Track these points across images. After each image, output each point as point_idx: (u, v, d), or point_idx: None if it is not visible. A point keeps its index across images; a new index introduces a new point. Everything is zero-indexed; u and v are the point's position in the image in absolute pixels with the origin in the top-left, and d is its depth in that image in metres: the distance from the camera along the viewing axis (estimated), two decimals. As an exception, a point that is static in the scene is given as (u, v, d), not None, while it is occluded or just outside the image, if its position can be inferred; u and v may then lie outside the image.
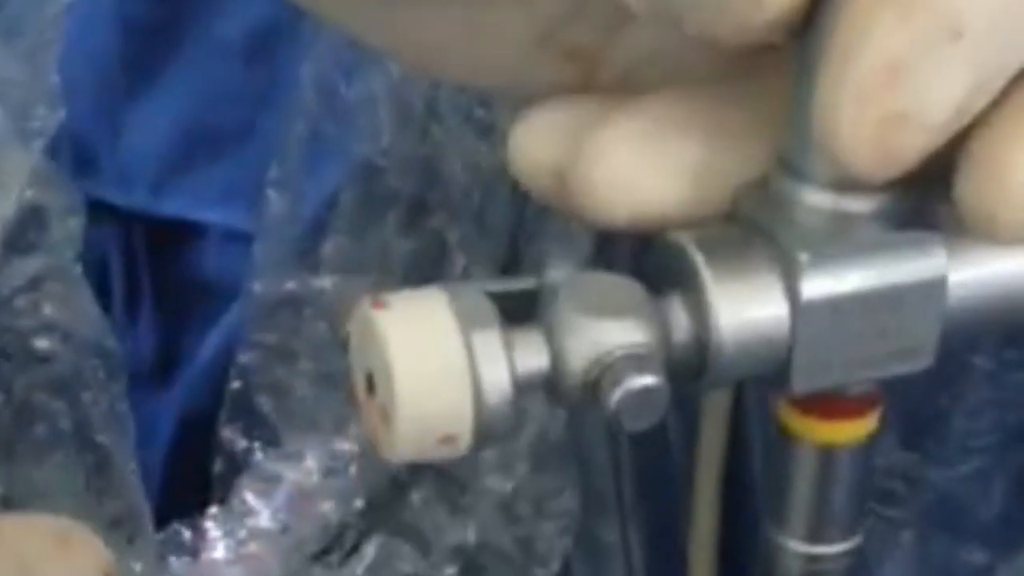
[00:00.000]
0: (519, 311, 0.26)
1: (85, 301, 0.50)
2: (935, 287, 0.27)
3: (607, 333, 0.26)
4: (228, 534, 0.55)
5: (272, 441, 0.55)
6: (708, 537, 0.51)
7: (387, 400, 0.25)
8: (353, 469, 0.54)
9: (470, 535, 0.54)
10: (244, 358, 0.56)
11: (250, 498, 0.55)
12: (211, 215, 0.63)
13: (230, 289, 0.60)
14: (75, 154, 0.63)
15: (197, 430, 0.59)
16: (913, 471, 0.50)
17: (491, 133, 0.52)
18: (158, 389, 0.62)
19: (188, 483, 0.58)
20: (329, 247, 0.53)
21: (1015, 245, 0.27)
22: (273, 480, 0.55)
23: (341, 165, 0.54)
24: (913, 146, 0.23)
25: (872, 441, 0.29)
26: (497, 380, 0.25)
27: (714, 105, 0.28)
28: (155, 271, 0.63)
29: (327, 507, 0.54)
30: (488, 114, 0.52)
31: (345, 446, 0.54)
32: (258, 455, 0.55)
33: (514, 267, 0.53)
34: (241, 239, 0.61)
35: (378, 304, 0.25)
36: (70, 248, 0.50)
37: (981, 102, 0.24)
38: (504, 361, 0.25)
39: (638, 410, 0.25)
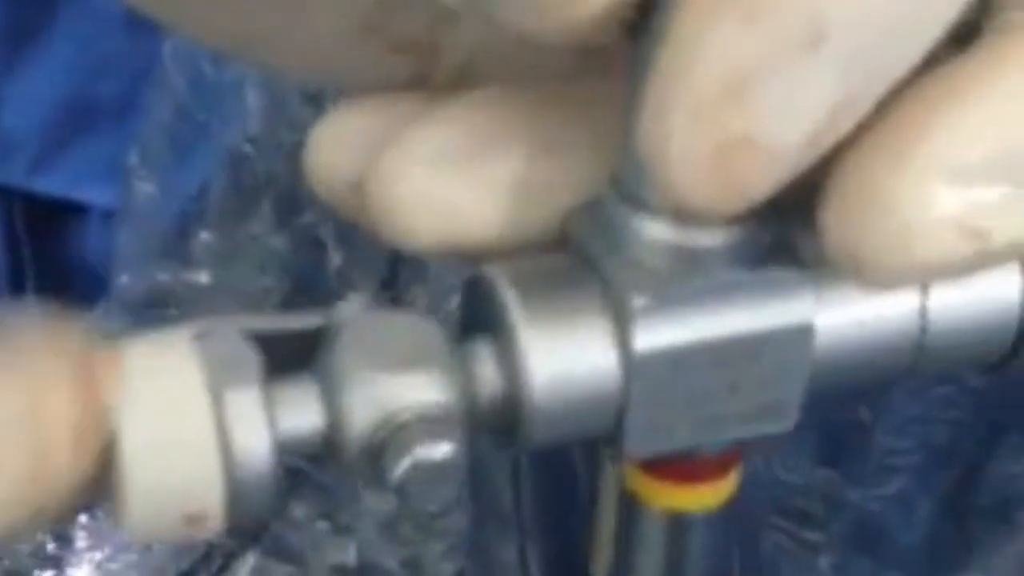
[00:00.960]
0: (296, 358, 0.22)
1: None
2: (800, 334, 0.22)
3: (393, 389, 0.21)
4: (94, 548, 0.51)
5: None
6: (612, 555, 0.47)
7: (119, 471, 0.20)
8: None
9: (351, 556, 0.50)
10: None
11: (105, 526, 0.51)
12: (91, 194, 0.60)
13: (109, 274, 0.56)
14: None
15: None
16: (831, 490, 0.47)
17: None
18: None
19: None
20: (200, 240, 0.49)
21: (883, 290, 0.22)
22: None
23: (211, 152, 0.50)
24: (761, 177, 0.19)
25: (731, 504, 0.24)
26: (252, 447, 0.20)
27: (539, 114, 0.23)
28: (37, 251, 0.61)
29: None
30: None
31: None
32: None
33: (398, 264, 0.49)
34: (119, 227, 0.57)
35: (109, 352, 0.20)
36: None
37: (847, 122, 0.19)
38: (262, 423, 0.21)
39: (428, 485, 0.21)
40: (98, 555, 0.52)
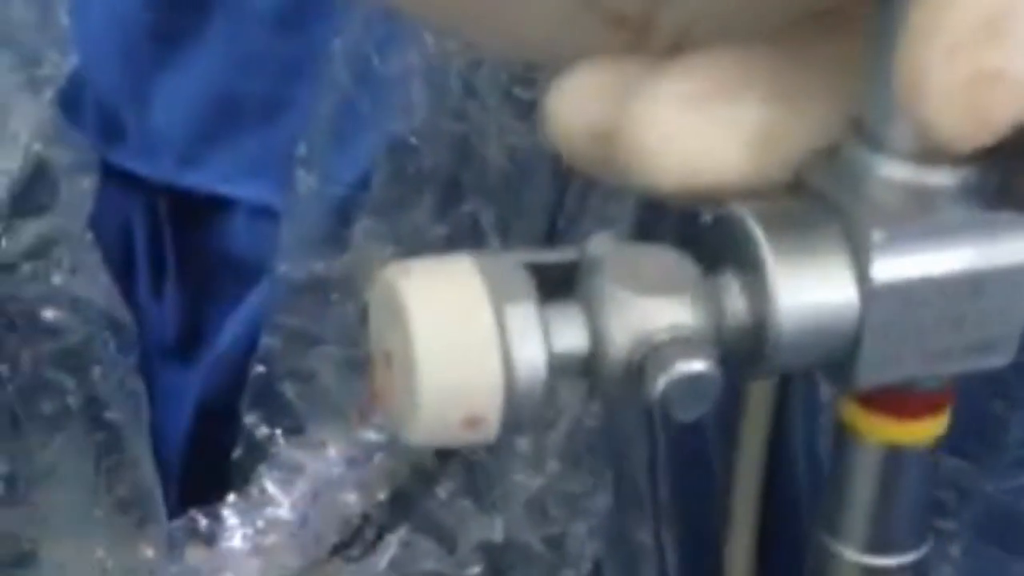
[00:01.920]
0: (558, 286, 0.24)
1: (96, 268, 0.47)
2: (1022, 275, 0.24)
3: (654, 312, 0.23)
4: (246, 524, 0.53)
5: (295, 429, 0.54)
6: (746, 541, 0.48)
7: (408, 377, 0.22)
8: (378, 459, 0.52)
9: (497, 532, 0.52)
10: (268, 342, 0.54)
11: (270, 487, 0.53)
12: (239, 189, 0.61)
13: (257, 267, 0.58)
14: (101, 123, 0.61)
15: (217, 413, 0.57)
16: (964, 480, 0.48)
17: (530, 112, 0.50)
18: (181, 368, 0.60)
19: (208, 468, 0.56)
20: (359, 229, 0.51)
21: None
22: (295, 469, 0.53)
23: (373, 143, 0.52)
24: (1009, 108, 0.21)
25: (939, 443, 0.26)
26: (530, 358, 0.22)
27: (777, 66, 0.25)
28: (180, 246, 0.62)
29: (349, 499, 0.53)
30: (527, 92, 0.50)
31: (370, 435, 0.52)
32: (280, 443, 0.54)
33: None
34: (270, 215, 0.59)
35: (402, 272, 0.22)
36: (80, 210, 0.47)
37: None
38: (539, 338, 0.23)
39: (686, 398, 0.23)
40: (250, 531, 0.53)
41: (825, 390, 0.46)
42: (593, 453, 0.52)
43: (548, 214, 0.51)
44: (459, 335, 0.22)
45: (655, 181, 0.25)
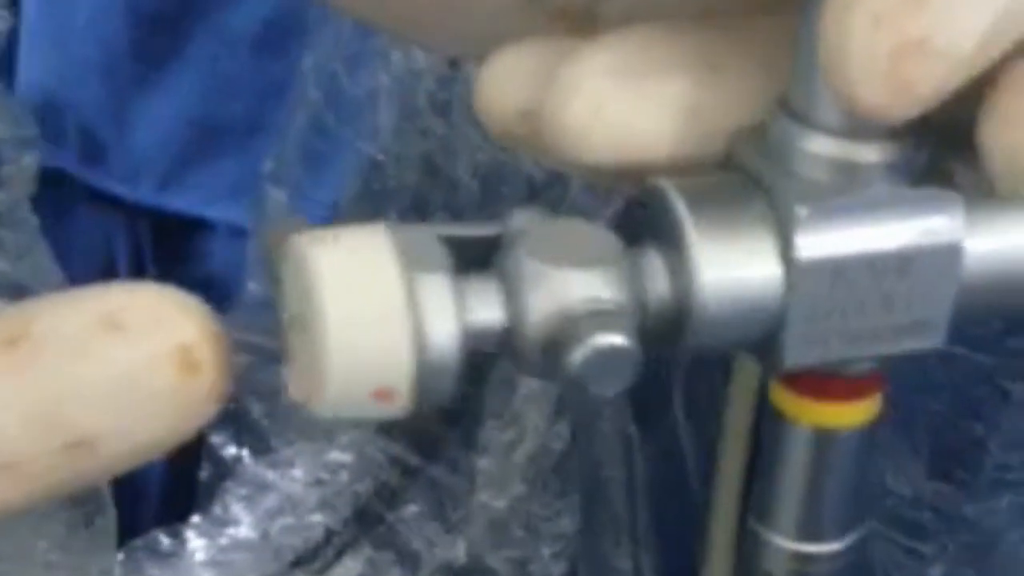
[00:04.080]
0: (478, 260, 0.23)
1: (42, 255, 0.47)
2: (951, 252, 0.23)
3: (571, 285, 0.22)
4: (208, 542, 0.52)
5: (262, 448, 0.53)
6: (725, 565, 0.48)
7: (316, 346, 0.22)
8: (343, 478, 0.52)
9: (460, 553, 0.51)
10: (236, 360, 0.53)
11: (234, 506, 0.52)
12: (218, 211, 0.61)
13: (238, 288, 0.58)
14: (81, 145, 0.61)
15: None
16: (943, 503, 0.47)
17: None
18: None
19: (182, 488, 0.55)
20: None
21: None
22: (260, 488, 0.52)
23: (344, 161, 0.52)
24: (933, 78, 0.20)
25: (873, 428, 0.25)
26: (442, 329, 0.22)
27: (707, 39, 0.24)
28: (161, 267, 0.61)
29: (314, 518, 0.52)
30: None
31: (336, 455, 0.52)
32: (247, 462, 0.53)
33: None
34: (249, 236, 0.59)
35: (313, 239, 0.22)
36: (23, 189, 0.46)
37: (1011, 35, 0.21)
38: (452, 309, 0.22)
39: (603, 374, 0.22)
40: (212, 549, 0.53)
41: None
42: (559, 475, 0.51)
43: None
44: (369, 304, 0.22)
45: (581, 157, 0.24)
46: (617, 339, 0.22)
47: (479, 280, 0.23)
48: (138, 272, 0.61)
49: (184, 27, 0.60)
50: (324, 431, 0.53)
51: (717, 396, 0.37)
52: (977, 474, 0.46)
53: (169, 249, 0.63)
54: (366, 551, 0.51)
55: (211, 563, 0.51)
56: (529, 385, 0.49)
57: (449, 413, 0.50)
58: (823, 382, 0.25)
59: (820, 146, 0.23)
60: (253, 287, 0.54)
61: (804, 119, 0.23)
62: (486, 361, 0.23)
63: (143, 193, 0.62)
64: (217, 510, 0.53)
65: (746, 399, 0.44)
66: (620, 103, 0.24)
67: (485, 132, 0.52)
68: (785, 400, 0.25)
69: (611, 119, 0.24)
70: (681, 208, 0.23)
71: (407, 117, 0.50)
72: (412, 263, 0.22)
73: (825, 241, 0.23)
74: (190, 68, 0.61)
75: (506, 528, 0.51)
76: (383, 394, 0.22)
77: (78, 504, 0.46)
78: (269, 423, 0.54)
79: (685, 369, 0.47)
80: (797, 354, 0.23)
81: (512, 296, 0.23)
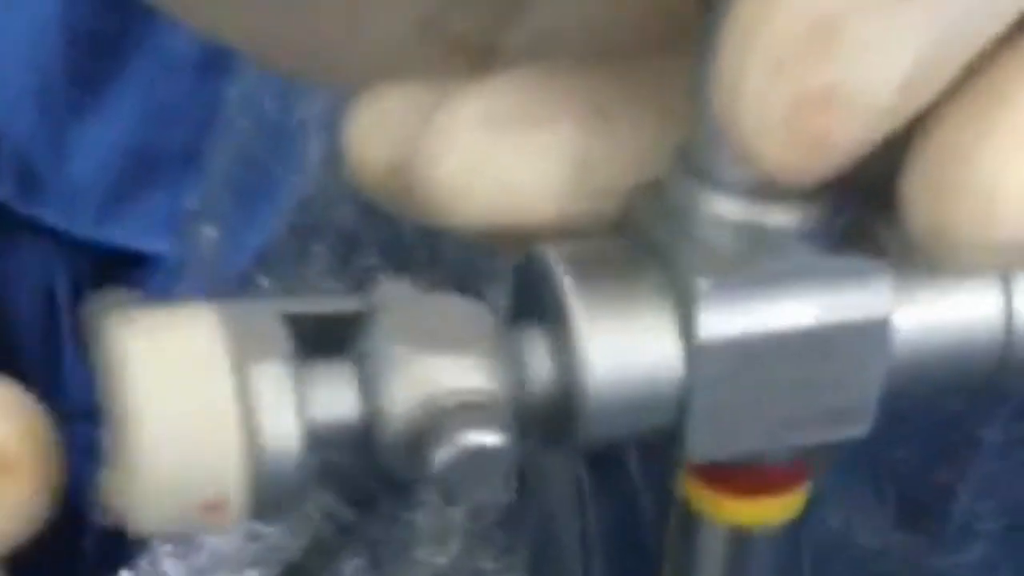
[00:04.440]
0: (333, 342, 0.20)
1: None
2: (877, 329, 0.20)
3: (437, 372, 0.19)
4: None
5: None
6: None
7: (130, 448, 0.19)
8: (276, 533, 0.49)
9: None
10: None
11: (164, 562, 0.49)
12: (154, 244, 0.58)
13: None
14: (16, 174, 0.58)
15: None
16: (912, 555, 0.44)
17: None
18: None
19: (118, 541, 0.53)
20: (258, 287, 0.48)
21: (972, 274, 0.20)
22: (190, 544, 0.49)
23: (272, 197, 0.49)
24: (845, 134, 0.17)
25: (797, 523, 0.22)
26: (281, 430, 0.19)
27: (599, 83, 0.21)
28: None
29: (249, 575, 0.49)
30: None
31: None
32: None
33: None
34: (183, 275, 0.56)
35: (124, 321, 0.19)
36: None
37: (937, 81, 0.18)
38: (292, 405, 0.19)
39: (472, 476, 0.19)
40: None
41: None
42: (505, 527, 0.48)
43: (457, 271, 0.48)
44: (191, 402, 0.19)
45: (456, 218, 0.21)
46: (488, 437, 0.19)
47: (328, 368, 0.20)
48: (80, 305, 0.60)
49: (123, 49, 0.58)
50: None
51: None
52: (946, 523, 0.43)
53: (109, 283, 0.60)
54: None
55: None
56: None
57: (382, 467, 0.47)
58: (738, 475, 0.22)
59: (724, 208, 0.20)
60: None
61: (705, 176, 0.20)
62: (339, 461, 0.20)
63: (80, 226, 0.59)
64: (144, 565, 0.51)
65: None
66: (499, 156, 0.21)
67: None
68: (696, 494, 0.22)
69: (488, 175, 0.21)
70: (564, 279, 0.20)
71: (338, 149, 0.47)
72: (242, 350, 0.19)
73: (731, 318, 0.19)
74: (128, 93, 0.58)
75: None
76: (212, 506, 0.19)
77: None
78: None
79: None
80: (703, 447, 0.20)
81: (367, 386, 0.19)
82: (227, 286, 0.51)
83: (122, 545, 0.52)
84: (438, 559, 0.48)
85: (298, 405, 0.19)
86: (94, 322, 0.19)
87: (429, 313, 0.20)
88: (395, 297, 0.20)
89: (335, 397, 0.19)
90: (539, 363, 0.20)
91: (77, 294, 0.60)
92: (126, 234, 0.58)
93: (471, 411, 0.19)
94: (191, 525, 0.19)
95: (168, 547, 0.50)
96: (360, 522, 0.49)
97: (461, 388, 0.19)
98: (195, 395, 0.19)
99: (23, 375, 0.59)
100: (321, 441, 0.19)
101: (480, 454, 0.19)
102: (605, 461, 0.47)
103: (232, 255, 0.50)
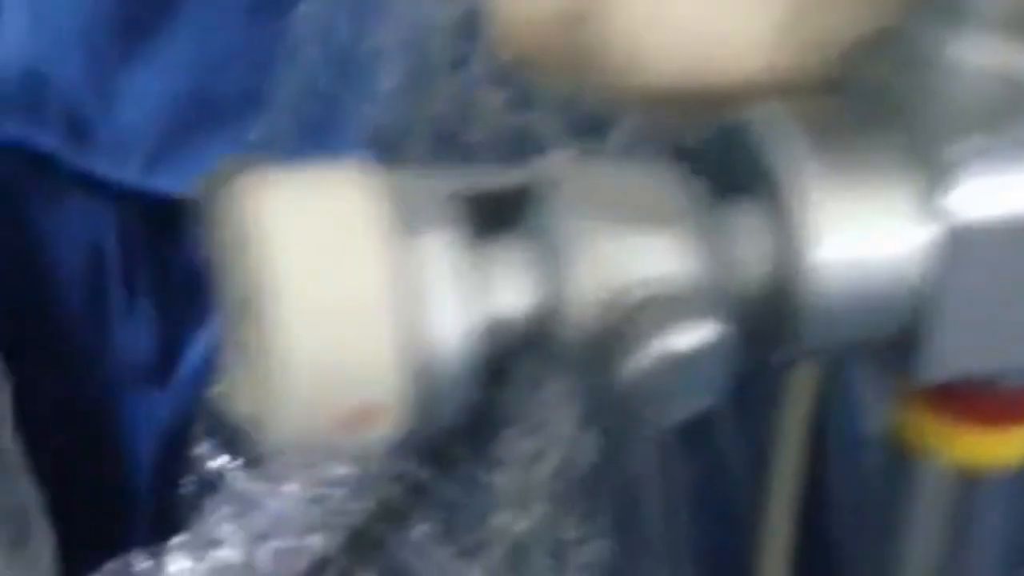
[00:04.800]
0: (496, 222, 0.17)
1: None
2: None
3: (629, 255, 0.16)
4: (190, 565, 0.47)
5: (252, 459, 0.48)
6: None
7: (270, 343, 0.15)
8: (342, 495, 0.46)
9: None
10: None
11: (219, 526, 0.47)
12: None
13: None
14: (64, 124, 0.56)
15: (186, 443, 0.52)
16: None
17: (522, 89, 0.44)
18: (156, 390, 0.55)
19: (170, 505, 0.51)
20: None
21: None
22: (249, 505, 0.47)
23: (345, 129, 0.47)
24: None
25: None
26: (449, 322, 0.15)
27: None
28: (154, 256, 0.57)
29: (308, 540, 0.46)
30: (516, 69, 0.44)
31: (337, 468, 0.46)
32: (234, 477, 0.48)
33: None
34: None
35: (262, 186, 0.15)
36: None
37: None
38: (463, 291, 0.15)
39: (674, 385, 0.15)
40: (194, 572, 0.48)
41: (875, 421, 0.40)
42: (588, 493, 0.46)
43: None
44: (343, 282, 0.15)
45: (639, 76, 0.18)
46: (694, 336, 0.16)
47: (500, 249, 0.16)
48: (128, 260, 0.57)
49: (173, -7, 0.54)
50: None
51: (768, 402, 0.31)
52: None
53: (161, 234, 0.57)
54: (368, 578, 0.46)
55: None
56: (557, 383, 0.43)
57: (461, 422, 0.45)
58: (972, 400, 0.18)
59: (980, 53, 0.16)
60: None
61: (957, 13, 0.16)
62: (506, 363, 0.17)
63: (130, 174, 0.56)
64: (202, 529, 0.48)
65: (803, 405, 0.38)
66: (694, 1, 0.17)
67: (512, 97, 0.46)
68: (918, 426, 0.18)
69: (681, 23, 0.17)
70: (789, 149, 0.16)
71: (416, 77, 0.45)
72: (406, 222, 0.15)
73: (991, 194, 0.16)
74: (181, 38, 0.55)
75: (527, 555, 0.46)
76: (363, 415, 0.15)
77: (16, 542, 0.41)
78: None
79: None
80: (942, 359, 0.17)
81: (546, 269, 0.16)
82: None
83: (175, 511, 0.50)
84: (517, 525, 0.45)
85: (469, 293, 0.16)
86: (216, 191, 0.16)
87: (614, 185, 0.17)
88: (570, 169, 0.17)
89: (509, 284, 0.16)
90: (753, 244, 0.16)
91: (125, 250, 0.57)
92: (181, 183, 0.57)
93: (671, 304, 0.16)
94: (336, 437, 0.16)
95: (225, 509, 0.48)
96: (433, 483, 0.46)
97: (659, 275, 0.16)
98: (348, 274, 0.15)
99: (69, 337, 0.57)
100: (492, 336, 0.16)
101: (684, 357, 0.16)
102: (693, 424, 0.45)
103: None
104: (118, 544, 0.48)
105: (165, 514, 0.52)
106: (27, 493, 0.43)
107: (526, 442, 0.45)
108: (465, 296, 0.16)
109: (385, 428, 0.16)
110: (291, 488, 0.48)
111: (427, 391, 0.16)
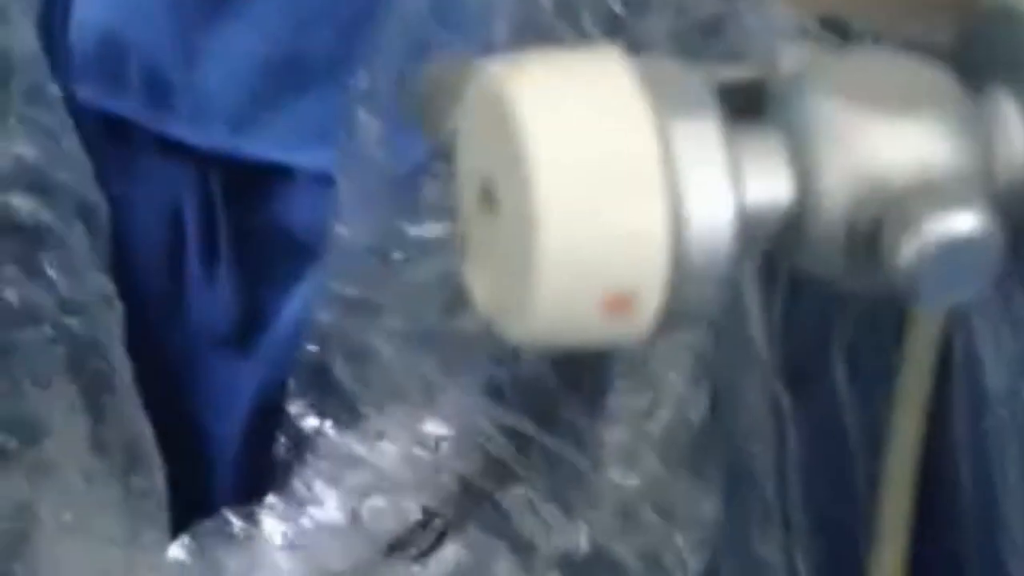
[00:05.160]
0: (748, 114, 0.16)
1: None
2: None
3: (889, 142, 0.15)
4: (284, 524, 0.47)
5: (349, 418, 0.47)
6: (895, 557, 0.41)
7: (523, 229, 0.15)
8: (445, 451, 0.46)
9: (582, 542, 0.45)
10: (323, 317, 0.48)
11: (315, 484, 0.46)
12: (299, 157, 0.55)
13: (321, 243, 0.52)
14: (145, 88, 0.56)
15: (278, 407, 0.52)
16: None
17: (635, 39, 0.43)
18: (236, 358, 0.55)
19: (258, 465, 0.50)
20: (433, 187, 0.45)
21: None
22: (346, 463, 0.46)
23: None
24: None
25: None
26: (712, 205, 0.15)
27: None
28: (235, 221, 0.56)
29: (407, 497, 0.46)
30: (630, 12, 0.43)
31: (436, 427, 0.45)
32: (329, 434, 0.47)
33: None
34: (335, 185, 0.53)
35: (516, 71, 0.15)
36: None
37: None
38: (722, 174, 0.15)
39: (944, 273, 0.15)
40: (289, 532, 0.47)
41: (995, 377, 0.39)
42: (698, 450, 0.45)
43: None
44: (605, 165, 0.15)
45: None
46: (964, 223, 0.15)
47: (758, 137, 0.16)
48: (209, 226, 0.56)
49: (259, -48, 0.54)
50: (424, 396, 0.47)
51: (888, 356, 0.30)
52: None
53: (242, 200, 0.56)
54: (471, 535, 0.45)
55: (290, 547, 0.45)
56: (667, 338, 0.42)
57: (569, 372, 0.44)
58: None
59: None
60: (342, 231, 0.48)
61: None
62: (751, 254, 0.16)
63: (214, 137, 0.56)
64: (299, 488, 0.47)
65: (925, 359, 0.37)
66: None
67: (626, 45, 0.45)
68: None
69: None
70: None
71: (528, 25, 0.44)
72: (667, 105, 0.15)
73: None
74: (266, -1, 0.53)
75: (637, 512, 0.45)
76: (623, 302, 0.15)
77: (128, 471, 0.41)
78: (358, 388, 0.47)
79: (849, 324, 0.41)
80: None
81: (804, 160, 0.15)
82: (395, 188, 0.47)
83: (265, 474, 0.49)
84: (628, 481, 0.44)
85: (727, 179, 0.15)
86: (455, 82, 0.15)
87: (872, 72, 0.16)
88: (822, 58, 0.16)
89: (767, 171, 0.15)
90: (1011, 134, 0.16)
91: (208, 213, 0.56)
92: (266, 146, 0.55)
93: (939, 190, 0.15)
94: (585, 329, 0.15)
95: (321, 468, 0.48)
96: (541, 438, 0.45)
97: (921, 164, 0.15)
98: (614, 157, 0.15)
99: (146, 301, 0.56)
100: (749, 227, 0.15)
101: (955, 245, 0.15)
102: (806, 380, 0.44)
103: (401, 150, 0.47)
104: (202, 508, 0.47)
105: (254, 477, 0.52)
106: (139, 422, 0.42)
107: (637, 397, 0.44)
108: (724, 184, 0.15)
109: (641, 318, 0.15)
110: (390, 446, 0.47)
111: (684, 279, 0.15)
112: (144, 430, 0.43)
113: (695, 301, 0.15)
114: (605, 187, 0.15)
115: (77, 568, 0.39)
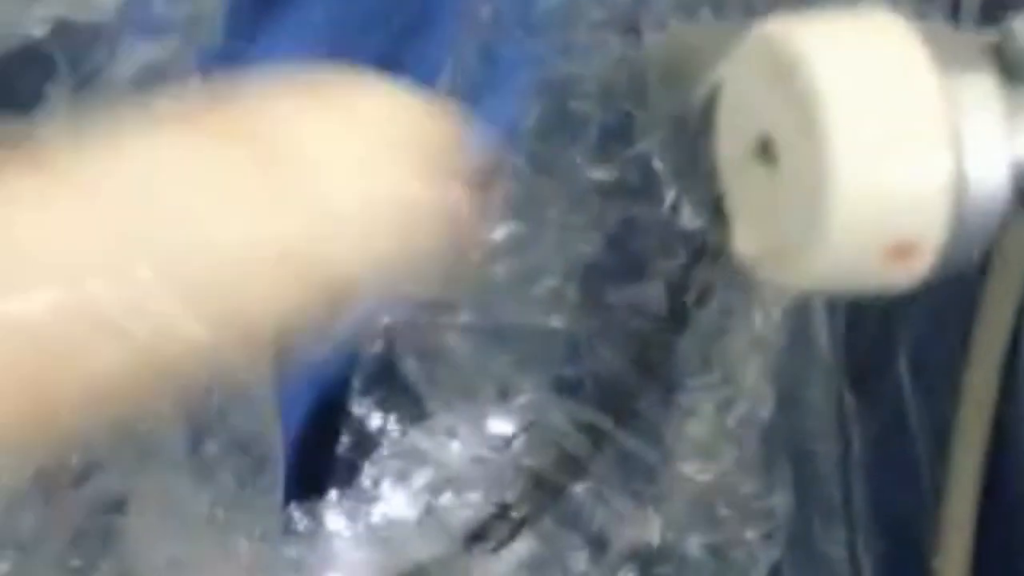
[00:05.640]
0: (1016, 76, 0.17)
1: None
2: None
3: None
4: (352, 520, 0.46)
5: (416, 415, 0.47)
6: (960, 555, 0.42)
7: (808, 177, 0.15)
8: (517, 446, 0.46)
9: (654, 534, 0.45)
10: (390, 315, 0.48)
11: (381, 482, 0.46)
12: None
13: None
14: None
15: (339, 402, 0.51)
16: None
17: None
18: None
19: (315, 463, 0.50)
20: (504, 169, 0.45)
21: None
22: (414, 460, 0.46)
23: (525, 79, 0.46)
24: None
25: None
26: (991, 157, 0.16)
27: None
28: None
29: (476, 493, 0.46)
30: (718, 14, 0.43)
31: (507, 424, 0.46)
32: (395, 431, 0.47)
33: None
34: None
35: (797, 25, 0.16)
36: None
37: None
38: (998, 136, 0.16)
39: None
40: (358, 527, 0.47)
41: None
42: (771, 445, 0.45)
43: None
44: (895, 119, 0.15)
45: None
46: None
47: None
48: None
49: (310, -43, 0.55)
50: (497, 392, 0.47)
51: (953, 355, 0.31)
52: None
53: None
54: (545, 527, 0.45)
55: (362, 541, 0.45)
56: (744, 331, 0.43)
57: (644, 367, 0.44)
58: None
59: None
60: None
61: None
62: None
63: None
64: (365, 485, 0.47)
65: (992, 358, 0.37)
66: None
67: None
68: None
69: None
70: None
71: (606, 25, 0.44)
72: (949, 66, 0.16)
73: None
74: (316, 2, 0.54)
75: (710, 507, 0.45)
76: (901, 250, 0.16)
77: (247, 450, 0.41)
78: (426, 385, 0.47)
79: (914, 323, 0.41)
80: None
81: None
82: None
83: (326, 472, 0.49)
84: (702, 476, 0.45)
85: (1003, 135, 0.16)
86: (715, 43, 0.16)
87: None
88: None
89: None
90: None
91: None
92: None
93: None
94: (862, 276, 0.16)
95: (387, 466, 0.47)
96: (614, 433, 0.45)
97: None
98: (900, 109, 0.15)
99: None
100: (1018, 182, 0.16)
101: None
102: (871, 379, 0.44)
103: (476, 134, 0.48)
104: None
105: (315, 475, 0.52)
106: (268, 417, 0.42)
107: (715, 393, 0.45)
108: (1000, 140, 0.16)
109: (918, 266, 0.16)
110: (458, 445, 0.47)
111: (961, 230, 0.16)
112: (273, 430, 0.43)
113: (969, 249, 0.16)
114: (893, 141, 0.16)
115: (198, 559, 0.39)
